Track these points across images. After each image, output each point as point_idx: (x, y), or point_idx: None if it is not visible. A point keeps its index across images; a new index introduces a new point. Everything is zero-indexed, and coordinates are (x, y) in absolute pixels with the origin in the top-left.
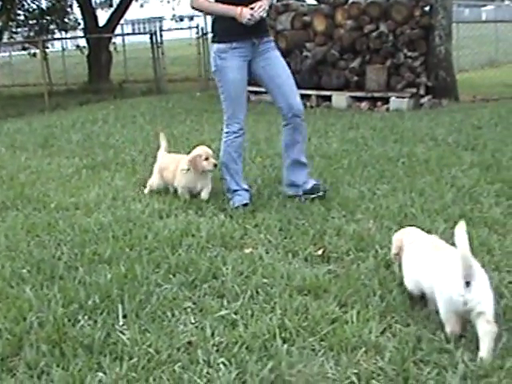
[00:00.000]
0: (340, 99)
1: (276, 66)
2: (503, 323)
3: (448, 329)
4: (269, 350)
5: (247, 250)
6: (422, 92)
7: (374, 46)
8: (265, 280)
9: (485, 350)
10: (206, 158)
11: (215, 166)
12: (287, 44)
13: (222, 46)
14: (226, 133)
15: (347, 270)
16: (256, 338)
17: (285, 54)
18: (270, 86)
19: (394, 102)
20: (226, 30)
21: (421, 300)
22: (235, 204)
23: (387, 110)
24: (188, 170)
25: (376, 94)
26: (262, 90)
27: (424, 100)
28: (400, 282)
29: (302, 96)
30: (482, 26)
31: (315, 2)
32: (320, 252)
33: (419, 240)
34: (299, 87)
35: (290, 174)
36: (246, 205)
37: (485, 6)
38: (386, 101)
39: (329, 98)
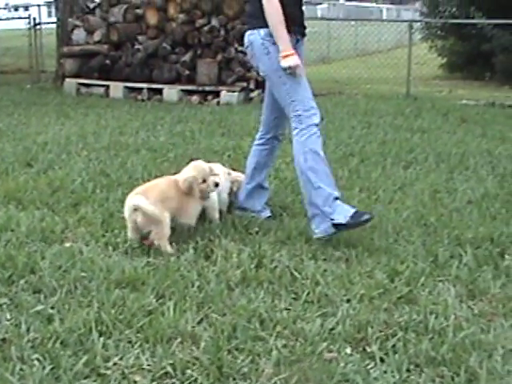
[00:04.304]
0: (171, 93)
1: None
2: (316, 310)
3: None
4: (84, 343)
5: (67, 244)
6: (252, 86)
7: (205, 40)
8: (83, 274)
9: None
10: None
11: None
12: (119, 36)
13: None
14: (305, 128)
15: (166, 261)
16: (72, 332)
17: (117, 47)
18: (273, 98)
19: (225, 95)
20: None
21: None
22: (348, 214)
23: (218, 103)
24: None
25: (207, 88)
26: (93, 82)
27: (254, 94)
28: (217, 273)
29: (134, 89)
30: (317, 23)
31: None
32: (150, 243)
33: None
34: (130, 80)
35: (248, 199)
36: (357, 212)
37: (320, 4)
38: (217, 94)
39: (160, 92)
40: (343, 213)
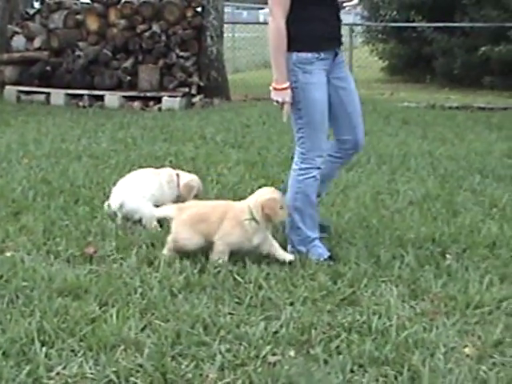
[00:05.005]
0: (113, 99)
1: (350, 89)
2: (260, 313)
3: None
4: (27, 354)
5: (8, 254)
6: (193, 91)
7: (146, 45)
8: (25, 283)
9: None
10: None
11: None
12: (59, 43)
13: (306, 55)
14: (304, 169)
15: (109, 269)
16: (14, 342)
17: (58, 53)
18: (339, 113)
19: (167, 101)
20: (313, 35)
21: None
22: (321, 258)
23: (159, 109)
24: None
25: (148, 94)
26: (34, 89)
27: (196, 99)
28: (160, 279)
29: (75, 96)
30: (259, 27)
31: (89, 1)
32: (92, 251)
33: None
34: (71, 87)
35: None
36: (331, 258)
37: (262, 8)
38: (159, 100)
39: (101, 98)
40: (316, 256)
